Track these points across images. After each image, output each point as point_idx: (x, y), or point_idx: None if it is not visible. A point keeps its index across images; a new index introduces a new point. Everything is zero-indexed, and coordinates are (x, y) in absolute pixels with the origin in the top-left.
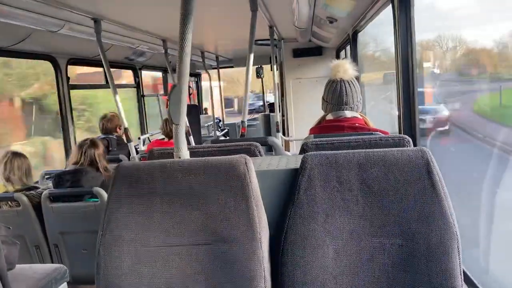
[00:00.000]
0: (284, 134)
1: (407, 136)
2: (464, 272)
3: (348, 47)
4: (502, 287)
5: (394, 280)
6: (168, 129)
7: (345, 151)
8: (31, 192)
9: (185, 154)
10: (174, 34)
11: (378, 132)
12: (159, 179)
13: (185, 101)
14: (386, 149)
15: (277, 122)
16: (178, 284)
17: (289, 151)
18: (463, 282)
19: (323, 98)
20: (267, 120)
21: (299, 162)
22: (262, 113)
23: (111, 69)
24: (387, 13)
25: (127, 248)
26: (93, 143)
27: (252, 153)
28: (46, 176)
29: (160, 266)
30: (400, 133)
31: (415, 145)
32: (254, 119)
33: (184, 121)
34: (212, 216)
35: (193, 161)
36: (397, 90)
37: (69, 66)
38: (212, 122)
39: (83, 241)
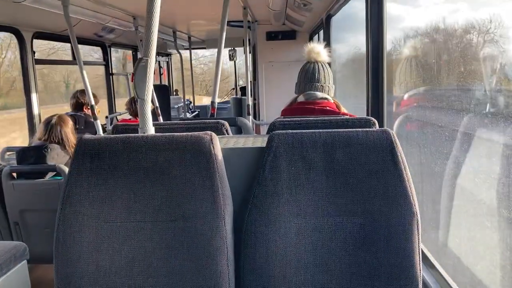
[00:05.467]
0: (255, 118)
1: (373, 118)
2: (422, 252)
3: (321, 32)
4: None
5: (355, 258)
6: (136, 107)
7: (311, 130)
8: None
9: (150, 129)
10: (144, 11)
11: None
12: (122, 154)
13: (151, 75)
14: (351, 129)
15: (248, 105)
16: (140, 260)
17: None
18: (421, 261)
19: (296, 83)
20: (238, 103)
21: (265, 141)
22: (234, 97)
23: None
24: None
25: (88, 223)
26: (60, 120)
27: (219, 131)
28: (8, 153)
29: (122, 242)
30: (368, 115)
31: (381, 126)
32: (226, 102)
33: (150, 96)
34: (176, 192)
35: (157, 136)
36: (366, 74)
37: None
38: (182, 104)
39: (45, 219)
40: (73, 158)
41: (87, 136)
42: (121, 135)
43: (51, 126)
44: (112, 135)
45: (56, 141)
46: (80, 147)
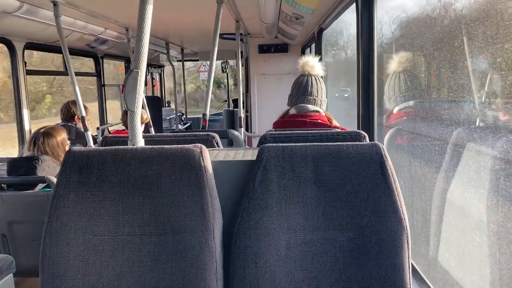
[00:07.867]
0: (247, 130)
1: (363, 132)
2: (412, 266)
3: (313, 45)
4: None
5: (345, 272)
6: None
7: (301, 144)
8: None
9: (139, 142)
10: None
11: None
12: (110, 166)
13: (142, 88)
14: (341, 143)
15: (240, 117)
16: (127, 274)
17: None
18: (411, 276)
19: (289, 95)
20: (231, 115)
21: (256, 154)
22: (226, 109)
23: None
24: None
25: (75, 236)
26: (48, 132)
27: (210, 144)
28: None
29: (109, 256)
30: (358, 128)
31: (372, 140)
32: (218, 114)
33: (140, 108)
34: (165, 205)
35: (147, 149)
36: (357, 88)
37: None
38: (174, 116)
39: (33, 231)
40: (61, 170)
41: (76, 148)
42: (110, 147)
43: (35, 140)
44: (101, 147)
45: (46, 153)
46: (68, 159)
